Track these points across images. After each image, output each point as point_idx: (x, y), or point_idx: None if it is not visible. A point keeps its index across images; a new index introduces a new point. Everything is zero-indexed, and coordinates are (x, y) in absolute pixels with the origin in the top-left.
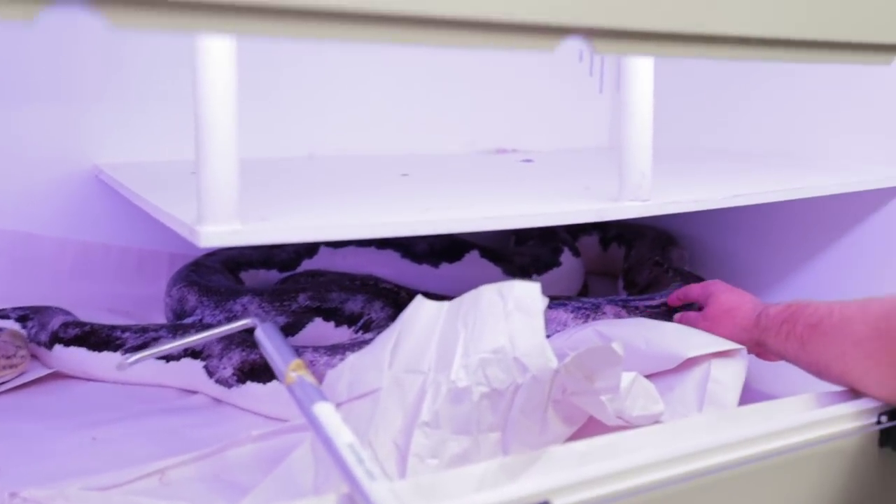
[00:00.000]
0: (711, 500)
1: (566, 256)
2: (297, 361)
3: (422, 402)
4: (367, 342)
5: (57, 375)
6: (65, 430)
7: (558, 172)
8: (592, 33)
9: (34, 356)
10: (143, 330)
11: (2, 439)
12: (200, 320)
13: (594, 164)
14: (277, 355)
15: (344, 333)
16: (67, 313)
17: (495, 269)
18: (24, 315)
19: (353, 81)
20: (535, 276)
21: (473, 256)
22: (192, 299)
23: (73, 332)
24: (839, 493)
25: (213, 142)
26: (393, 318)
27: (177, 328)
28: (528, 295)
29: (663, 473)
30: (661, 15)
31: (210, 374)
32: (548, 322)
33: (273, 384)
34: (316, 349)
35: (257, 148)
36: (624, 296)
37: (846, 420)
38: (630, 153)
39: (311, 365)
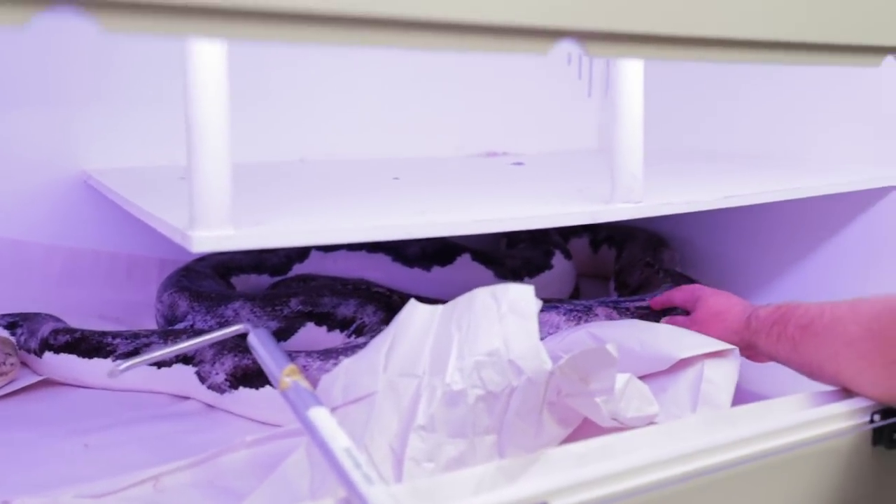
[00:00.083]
0: (708, 500)
1: (558, 259)
2: (291, 367)
3: (417, 406)
4: (360, 346)
5: (47, 382)
6: (56, 437)
7: (549, 175)
8: (585, 36)
9: (24, 363)
10: (135, 336)
11: None
12: (192, 326)
13: (584, 166)
14: (271, 360)
15: (336, 338)
16: (57, 320)
17: (487, 272)
18: (14, 322)
19: (343, 86)
20: (526, 279)
21: (465, 260)
22: (183, 305)
23: (63, 338)
24: (834, 492)
25: (205, 145)
26: (385, 322)
27: (168, 334)
28: (522, 297)
29: (660, 474)
30: (654, 18)
31: (202, 379)
32: (540, 325)
33: (266, 389)
34: (309, 354)
35: (248, 152)
36: (615, 297)
37: (840, 419)
38: (621, 155)
39: (304, 370)
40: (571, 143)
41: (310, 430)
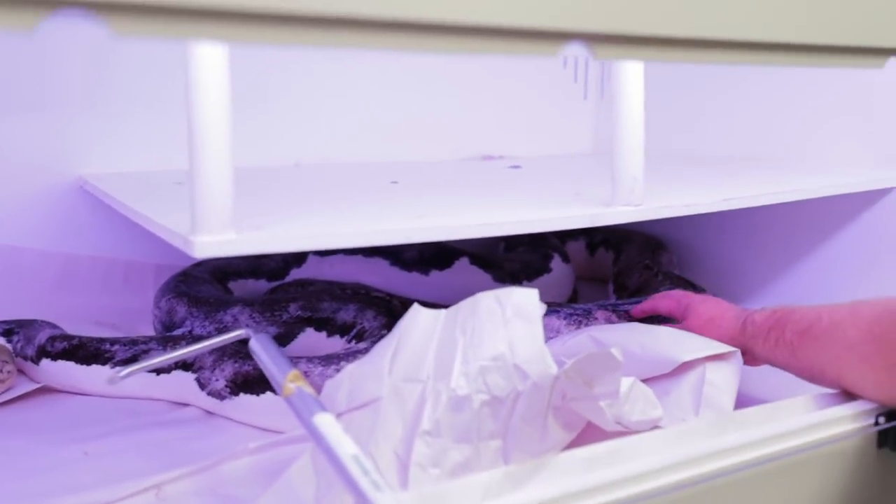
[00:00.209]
0: None
1: (556, 262)
2: (294, 372)
3: (422, 411)
4: (361, 352)
5: (44, 390)
6: (55, 445)
7: (547, 178)
8: (593, 38)
9: (20, 371)
10: (133, 342)
11: None
12: (190, 332)
13: (581, 169)
14: (274, 366)
15: (336, 343)
16: (54, 326)
17: (485, 276)
18: (9, 329)
19: (338, 89)
20: (525, 283)
21: (463, 263)
22: (181, 310)
23: (60, 345)
24: (839, 495)
25: (206, 149)
26: (386, 326)
27: (167, 340)
28: (526, 301)
29: (668, 479)
30: (661, 20)
31: (202, 386)
32: None
33: (267, 395)
34: (310, 360)
35: (244, 157)
36: (614, 300)
37: (845, 422)
38: (622, 158)
39: (305, 376)
40: (567, 147)
41: (315, 436)
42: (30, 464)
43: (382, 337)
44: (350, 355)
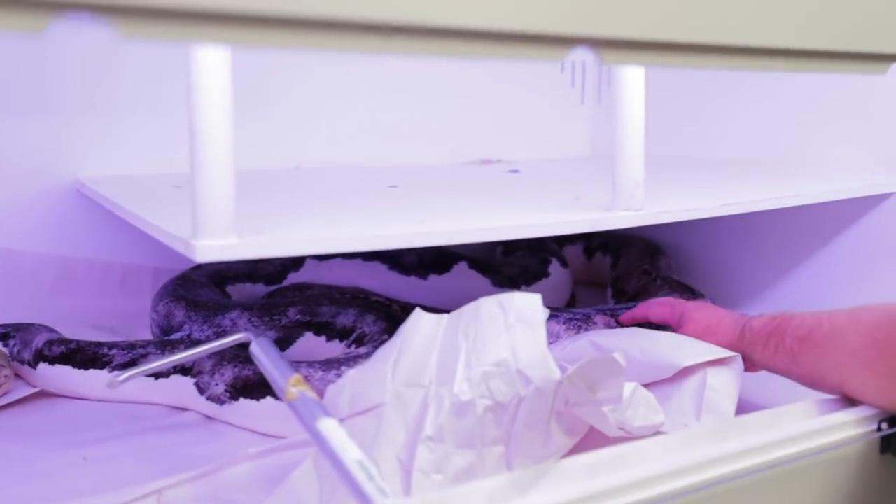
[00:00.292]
0: None
1: (555, 267)
2: (296, 377)
3: (424, 417)
4: (361, 356)
5: (42, 394)
6: (53, 449)
7: (546, 182)
8: (600, 44)
9: (17, 375)
10: (131, 346)
11: None
12: (188, 336)
13: (579, 173)
14: (276, 371)
15: (336, 348)
16: (51, 330)
17: (484, 281)
18: (6, 333)
19: (336, 93)
20: (524, 287)
21: (462, 268)
22: (179, 314)
23: (58, 349)
24: (842, 501)
25: (208, 152)
26: (386, 331)
27: (165, 344)
28: (529, 306)
29: (671, 485)
30: (668, 25)
31: (201, 390)
32: None
33: (267, 400)
34: (310, 364)
35: (243, 159)
36: (612, 305)
37: (847, 427)
38: (623, 163)
39: (305, 380)
40: (564, 151)
41: (319, 441)
42: (28, 469)
43: (382, 342)
44: (350, 360)
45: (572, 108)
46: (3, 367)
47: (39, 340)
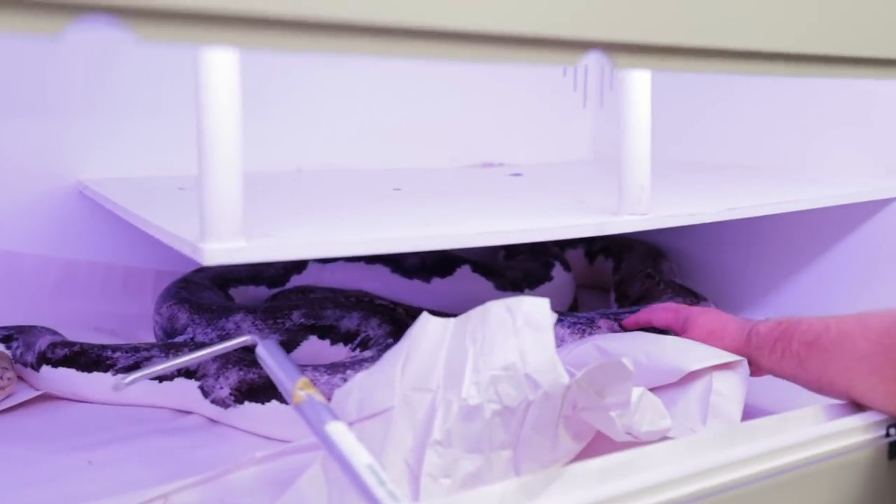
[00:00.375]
0: None
1: (558, 271)
2: (304, 380)
3: (432, 421)
4: (367, 360)
5: (45, 397)
6: (57, 453)
7: (549, 186)
8: (613, 48)
9: (20, 378)
10: (135, 349)
11: None
12: (192, 339)
13: (581, 177)
14: (282, 374)
15: (340, 351)
16: (54, 333)
17: (487, 284)
18: (9, 335)
19: (338, 95)
20: (527, 291)
21: (465, 271)
22: (182, 317)
23: (61, 352)
24: None
25: (216, 154)
26: (390, 335)
27: (169, 347)
28: (537, 310)
29: (681, 491)
30: (681, 30)
31: (206, 394)
32: None
33: (273, 404)
34: (316, 367)
35: (245, 162)
36: (615, 309)
37: (856, 433)
38: (629, 166)
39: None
40: (566, 154)
41: (329, 446)
42: (32, 472)
43: (387, 345)
44: (356, 364)
45: (574, 111)
46: (6, 369)
47: (42, 343)
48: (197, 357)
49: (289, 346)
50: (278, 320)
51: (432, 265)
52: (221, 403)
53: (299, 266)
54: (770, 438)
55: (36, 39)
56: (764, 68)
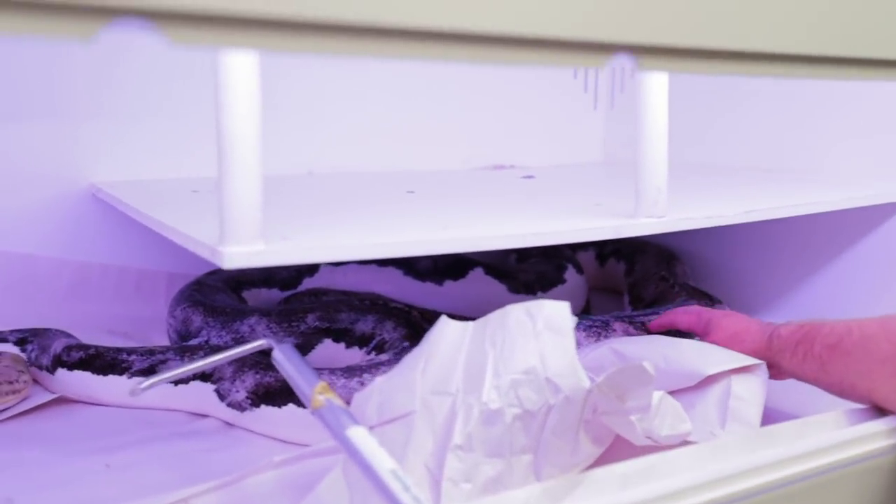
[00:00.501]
0: None
1: (570, 273)
2: (322, 384)
3: (452, 425)
4: (383, 363)
5: (60, 400)
6: (73, 456)
7: (562, 188)
8: (639, 50)
9: (35, 380)
10: (150, 352)
11: (9, 468)
12: (206, 342)
13: (593, 179)
14: (300, 378)
15: (355, 355)
16: (69, 335)
17: (500, 287)
18: (24, 338)
19: (349, 98)
20: (540, 294)
21: (478, 274)
22: (197, 320)
23: (76, 355)
24: None
25: (235, 157)
26: (406, 338)
27: (184, 350)
28: (557, 314)
29: (703, 496)
30: (705, 33)
31: (222, 397)
32: None
33: (289, 407)
34: (332, 371)
35: None
36: (629, 311)
37: (879, 438)
38: (646, 169)
39: None
40: (577, 156)
41: (350, 451)
42: (51, 475)
43: (403, 348)
44: (372, 367)
45: (585, 113)
46: (23, 372)
47: (58, 346)
48: (213, 361)
49: (304, 349)
50: (293, 323)
51: (445, 268)
52: (238, 407)
53: (311, 269)
54: (792, 444)
55: (22, 42)
56: (792, 70)
